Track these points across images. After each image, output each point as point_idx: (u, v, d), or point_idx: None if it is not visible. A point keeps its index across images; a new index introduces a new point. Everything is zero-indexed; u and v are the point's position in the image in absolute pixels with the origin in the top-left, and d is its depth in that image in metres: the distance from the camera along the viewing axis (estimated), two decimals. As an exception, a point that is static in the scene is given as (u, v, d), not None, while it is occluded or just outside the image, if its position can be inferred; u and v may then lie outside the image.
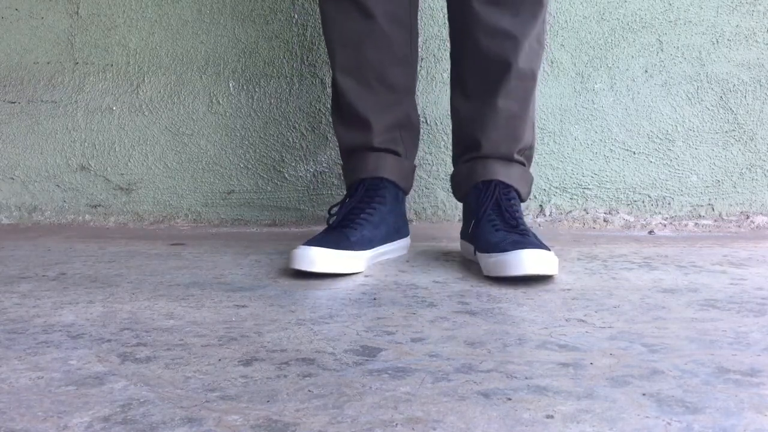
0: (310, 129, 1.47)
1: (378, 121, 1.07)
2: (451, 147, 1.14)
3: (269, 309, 0.76)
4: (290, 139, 1.48)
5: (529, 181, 1.09)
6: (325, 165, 1.47)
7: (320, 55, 1.46)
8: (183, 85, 1.50)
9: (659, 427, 0.44)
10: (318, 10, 1.32)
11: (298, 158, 1.48)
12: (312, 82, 1.47)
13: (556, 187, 1.43)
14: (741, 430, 0.44)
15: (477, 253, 0.96)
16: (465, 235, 1.05)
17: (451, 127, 1.13)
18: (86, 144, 1.53)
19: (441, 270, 0.97)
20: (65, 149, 1.54)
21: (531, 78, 1.04)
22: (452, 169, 1.13)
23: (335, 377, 0.54)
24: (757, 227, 1.39)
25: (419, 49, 1.26)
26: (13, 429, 0.45)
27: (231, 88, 1.49)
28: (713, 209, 1.41)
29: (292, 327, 0.69)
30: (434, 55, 1.43)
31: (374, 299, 0.80)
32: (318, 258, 0.91)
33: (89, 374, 0.55)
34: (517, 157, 1.05)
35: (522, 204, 1.09)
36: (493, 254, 0.90)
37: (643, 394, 0.50)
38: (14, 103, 1.54)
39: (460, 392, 0.50)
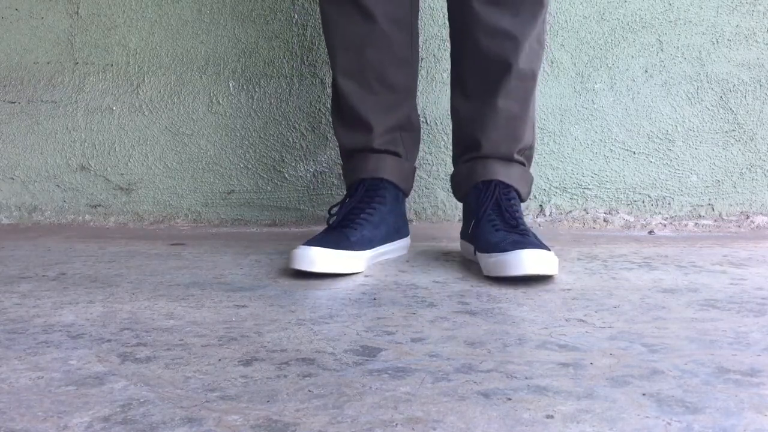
0: (310, 129, 1.47)
1: (379, 123, 1.07)
2: (451, 147, 1.15)
3: (269, 309, 0.76)
4: (290, 139, 1.48)
5: (529, 181, 1.09)
6: (325, 165, 1.47)
7: (320, 55, 1.46)
8: (183, 85, 1.50)
9: (659, 427, 0.44)
10: (318, 10, 1.32)
11: (298, 158, 1.48)
12: (312, 82, 1.47)
13: (556, 187, 1.43)
14: (741, 430, 0.44)
15: (477, 253, 0.96)
16: (465, 235, 1.05)
17: (451, 127, 1.13)
18: (86, 144, 1.53)
19: (441, 270, 0.97)
20: (65, 149, 1.54)
21: (531, 78, 1.04)
22: (452, 169, 1.13)
23: (335, 377, 0.54)
24: (757, 227, 1.39)
25: (419, 50, 1.26)
26: (13, 429, 0.45)
27: (231, 88, 1.49)
28: (713, 209, 1.41)
29: (292, 327, 0.69)
30: (434, 55, 1.43)
31: (374, 299, 0.80)
32: (318, 258, 0.91)
33: (89, 374, 0.55)
34: (517, 157, 1.05)
35: (522, 204, 1.09)
36: (493, 254, 0.90)
37: (643, 394, 0.50)
38: (14, 103, 1.55)
39: (460, 392, 0.50)
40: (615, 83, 1.41)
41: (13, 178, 1.55)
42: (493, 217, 0.98)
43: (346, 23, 1.05)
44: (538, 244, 0.90)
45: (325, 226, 1.06)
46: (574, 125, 1.42)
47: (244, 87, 1.48)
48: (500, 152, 1.04)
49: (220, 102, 1.49)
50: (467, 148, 1.07)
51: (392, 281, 0.90)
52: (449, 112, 1.12)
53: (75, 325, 0.70)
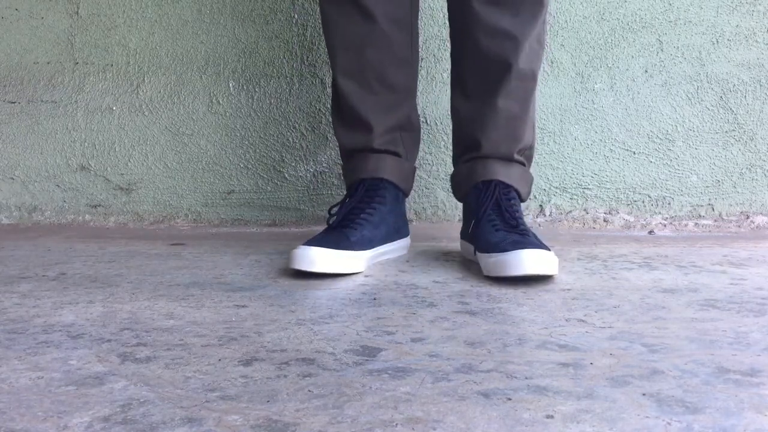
0: (310, 129, 1.47)
1: (379, 123, 1.07)
2: (451, 147, 1.15)
3: (269, 309, 0.76)
4: (290, 139, 1.48)
5: (529, 181, 1.09)
6: (325, 165, 1.47)
7: (320, 55, 1.46)
8: (183, 85, 1.50)
9: (659, 427, 0.44)
10: (318, 10, 1.32)
11: (298, 158, 1.48)
12: (312, 82, 1.47)
13: (556, 187, 1.43)
14: (741, 430, 0.44)
15: (477, 253, 0.96)
16: (465, 235, 1.05)
17: (451, 127, 1.13)
18: (86, 144, 1.53)
19: (441, 270, 0.97)
20: (65, 149, 1.54)
21: (531, 78, 1.04)
22: (452, 169, 1.13)
23: (335, 377, 0.54)
24: (757, 227, 1.39)
25: (419, 50, 1.26)
26: (13, 429, 0.45)
27: (231, 88, 1.49)
28: (713, 209, 1.41)
29: (292, 327, 0.69)
30: (434, 55, 1.43)
31: (374, 299, 0.80)
32: (318, 258, 0.91)
33: (89, 374, 0.55)
34: (517, 157, 1.05)
35: (522, 204, 1.09)
36: (493, 254, 0.90)
37: (643, 394, 0.50)
38: (14, 103, 1.55)
39: (460, 392, 0.50)
40: (615, 83, 1.41)
41: (13, 178, 1.55)
42: (493, 217, 0.98)
43: (346, 23, 1.05)
44: (538, 244, 0.90)
45: (325, 226, 1.06)
46: (574, 125, 1.42)
47: (244, 87, 1.48)
48: (500, 152, 1.04)
49: (220, 102, 1.49)
50: (467, 148, 1.07)
51: (392, 281, 0.90)
52: (449, 112, 1.12)
53: (75, 325, 0.70)
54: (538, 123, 1.39)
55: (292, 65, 1.47)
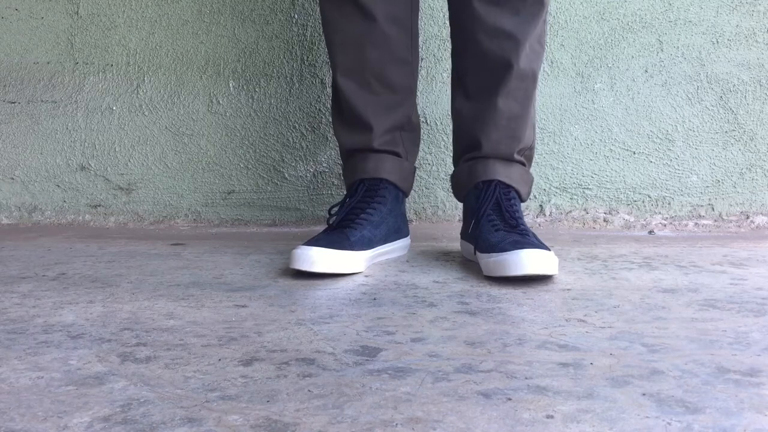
0: (310, 129, 1.47)
1: (379, 123, 1.07)
2: (451, 147, 1.15)
3: (269, 309, 0.76)
4: (290, 139, 1.48)
5: (529, 181, 1.09)
6: (325, 165, 1.47)
7: (320, 55, 1.46)
8: (183, 85, 1.50)
9: (659, 427, 0.44)
10: (318, 10, 1.32)
11: (298, 158, 1.48)
12: (312, 82, 1.47)
13: (556, 187, 1.43)
14: (741, 430, 0.44)
15: (477, 253, 0.96)
16: (465, 235, 1.05)
17: (451, 127, 1.13)
18: (86, 144, 1.53)
19: (441, 270, 0.97)
20: (65, 149, 1.54)
21: (531, 78, 1.04)
22: (452, 169, 1.13)
23: (335, 377, 0.54)
24: (757, 227, 1.39)
25: (419, 50, 1.26)
26: (13, 429, 0.45)
27: (231, 88, 1.49)
28: (713, 209, 1.41)
29: (292, 327, 0.69)
30: (434, 55, 1.43)
31: (374, 299, 0.80)
32: (318, 258, 0.91)
33: (89, 374, 0.55)
34: (517, 157, 1.05)
35: (522, 204, 1.09)
36: (493, 254, 0.90)
37: (643, 394, 0.50)
38: (14, 103, 1.55)
39: (460, 392, 0.50)
40: (615, 83, 1.41)
41: (13, 178, 1.55)
42: (493, 217, 0.98)
43: (346, 23, 1.05)
44: (538, 244, 0.90)
45: (325, 226, 1.06)
46: (574, 125, 1.42)
47: (244, 87, 1.48)
48: (500, 152, 1.04)
49: (220, 102, 1.49)
50: (467, 148, 1.07)
51: (392, 281, 0.90)
52: (449, 112, 1.12)
53: (75, 325, 0.70)
54: (538, 123, 1.39)
55: (292, 65, 1.47)
